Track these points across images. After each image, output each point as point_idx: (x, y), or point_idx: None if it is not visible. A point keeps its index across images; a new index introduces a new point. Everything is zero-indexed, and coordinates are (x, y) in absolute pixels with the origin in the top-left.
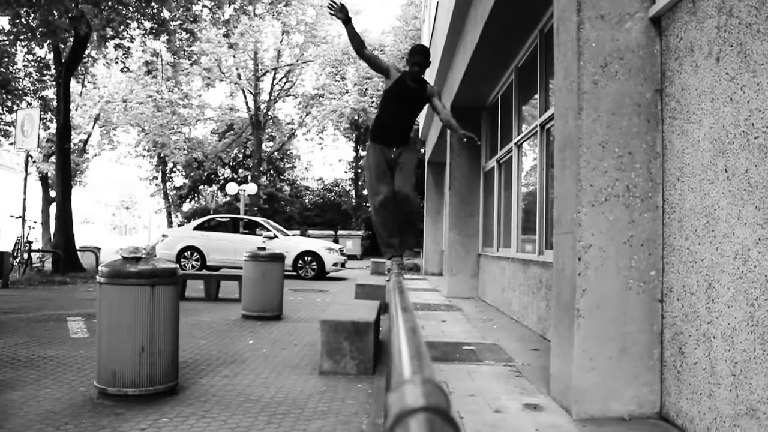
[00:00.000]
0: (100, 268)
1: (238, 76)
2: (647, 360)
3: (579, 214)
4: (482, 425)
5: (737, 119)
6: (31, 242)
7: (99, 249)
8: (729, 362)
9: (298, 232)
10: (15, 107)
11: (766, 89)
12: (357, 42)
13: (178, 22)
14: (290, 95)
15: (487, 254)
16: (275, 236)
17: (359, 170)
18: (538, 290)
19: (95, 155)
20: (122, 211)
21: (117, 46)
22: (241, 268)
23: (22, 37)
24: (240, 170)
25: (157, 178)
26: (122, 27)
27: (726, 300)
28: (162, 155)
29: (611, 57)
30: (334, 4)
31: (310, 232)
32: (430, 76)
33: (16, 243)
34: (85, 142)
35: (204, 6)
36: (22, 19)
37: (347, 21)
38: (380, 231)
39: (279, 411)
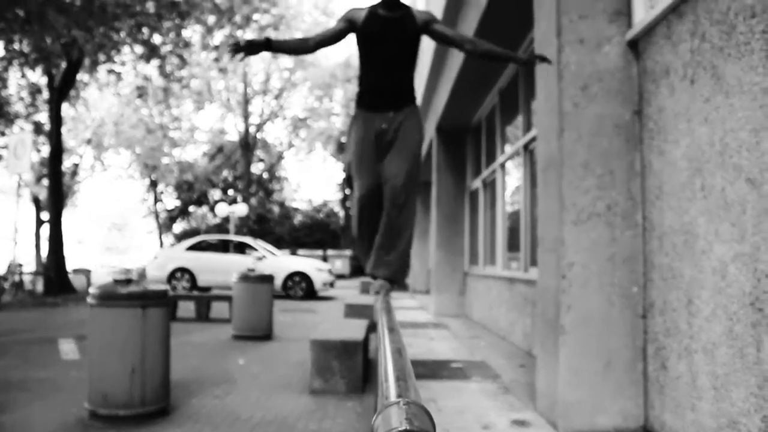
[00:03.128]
0: (91, 290)
1: (228, 99)
2: (631, 374)
3: (562, 232)
4: None
5: (712, 139)
6: (22, 265)
7: (89, 272)
8: (710, 376)
9: (287, 251)
10: (7, 131)
11: (738, 110)
12: (296, 47)
13: (169, 47)
14: (279, 117)
15: (473, 272)
16: (265, 256)
17: (347, 192)
18: (523, 307)
19: (87, 177)
20: (114, 232)
21: (109, 71)
22: (231, 288)
23: (15, 61)
24: (230, 191)
25: (148, 200)
26: (114, 52)
27: (706, 315)
28: (153, 177)
29: (591, 79)
30: (235, 46)
31: (300, 252)
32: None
33: (9, 266)
34: (77, 164)
35: (194, 31)
36: (15, 45)
37: (268, 47)
38: (356, 238)
39: (270, 430)
